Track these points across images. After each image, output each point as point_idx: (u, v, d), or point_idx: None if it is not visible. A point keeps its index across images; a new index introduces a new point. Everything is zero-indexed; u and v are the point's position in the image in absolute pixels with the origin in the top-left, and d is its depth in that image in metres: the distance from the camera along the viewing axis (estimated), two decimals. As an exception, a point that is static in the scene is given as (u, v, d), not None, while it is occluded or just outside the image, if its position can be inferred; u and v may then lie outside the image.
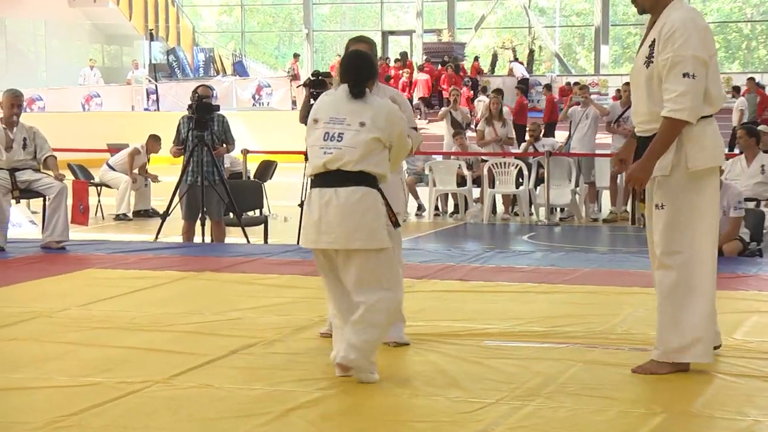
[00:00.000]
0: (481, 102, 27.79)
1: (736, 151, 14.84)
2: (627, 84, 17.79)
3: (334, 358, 6.05)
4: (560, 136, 23.77)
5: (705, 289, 6.08)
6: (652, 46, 6.02)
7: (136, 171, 17.31)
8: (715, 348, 6.32)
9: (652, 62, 6.01)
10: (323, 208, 5.97)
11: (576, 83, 26.50)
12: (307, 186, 6.78)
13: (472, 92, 33.53)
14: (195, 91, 12.31)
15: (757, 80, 30.30)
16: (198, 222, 12.28)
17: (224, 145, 12.59)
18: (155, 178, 17.55)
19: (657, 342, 6.20)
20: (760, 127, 16.01)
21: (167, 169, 18.71)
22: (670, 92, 5.90)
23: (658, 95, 6.00)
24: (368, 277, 5.99)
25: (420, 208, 17.87)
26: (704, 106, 5.99)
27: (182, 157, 12.33)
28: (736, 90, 30.92)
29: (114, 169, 17.34)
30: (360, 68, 6.21)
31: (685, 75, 5.86)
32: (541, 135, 18.10)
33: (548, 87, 31.49)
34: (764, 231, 11.59)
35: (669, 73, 5.91)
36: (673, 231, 6.06)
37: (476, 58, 40.27)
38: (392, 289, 6.06)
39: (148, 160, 17.75)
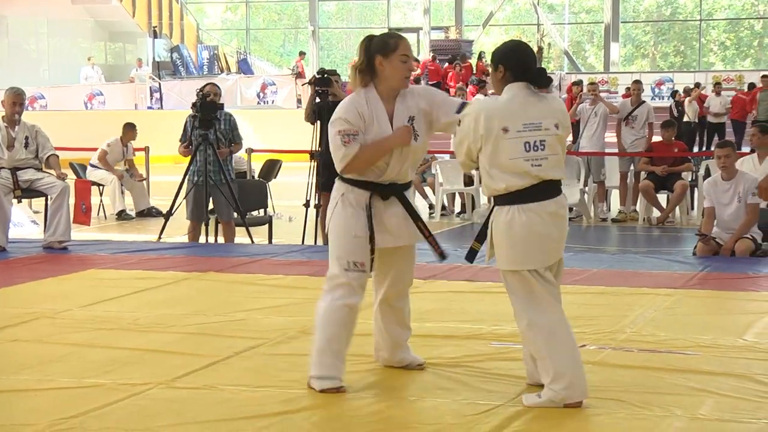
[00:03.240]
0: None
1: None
2: (636, 82, 17.68)
3: None
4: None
5: None
6: None
7: (121, 167, 17.15)
8: None
9: None
10: (552, 224, 5.67)
11: (577, 83, 25.82)
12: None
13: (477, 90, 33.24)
14: (201, 90, 12.17)
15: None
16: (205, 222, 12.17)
17: (232, 145, 12.37)
18: (141, 177, 17.41)
19: None
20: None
21: (171, 168, 18.66)
22: None
23: None
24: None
25: (431, 207, 17.62)
26: None
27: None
28: (750, 87, 30.61)
29: (98, 167, 17.17)
30: (535, 56, 5.53)
31: None
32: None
33: None
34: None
35: None
36: None
37: (480, 57, 38.55)
38: None
39: (127, 149, 17.49)
